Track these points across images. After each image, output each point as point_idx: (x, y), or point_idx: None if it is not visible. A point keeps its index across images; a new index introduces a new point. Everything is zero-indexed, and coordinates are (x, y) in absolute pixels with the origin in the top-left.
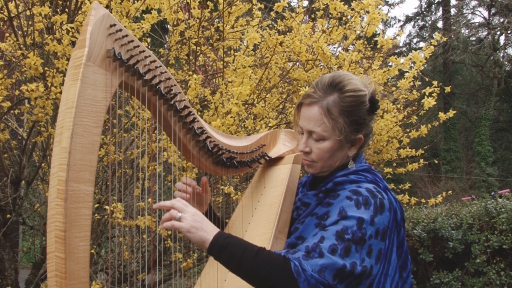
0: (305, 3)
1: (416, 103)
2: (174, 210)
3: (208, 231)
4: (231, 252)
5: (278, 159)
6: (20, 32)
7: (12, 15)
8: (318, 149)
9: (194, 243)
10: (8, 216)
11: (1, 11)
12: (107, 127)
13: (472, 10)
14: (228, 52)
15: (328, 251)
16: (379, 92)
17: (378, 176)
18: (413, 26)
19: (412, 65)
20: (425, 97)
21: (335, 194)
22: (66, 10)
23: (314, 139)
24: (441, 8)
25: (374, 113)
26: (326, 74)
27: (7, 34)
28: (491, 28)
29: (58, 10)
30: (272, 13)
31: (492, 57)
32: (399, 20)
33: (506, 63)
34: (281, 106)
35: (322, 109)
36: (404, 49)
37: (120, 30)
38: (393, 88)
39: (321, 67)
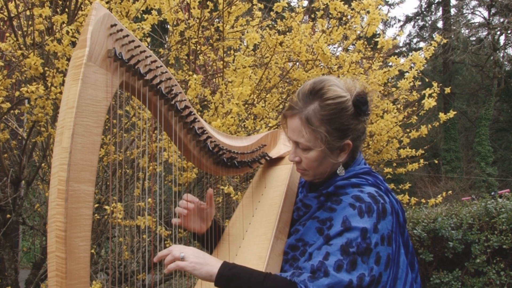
0: (305, 3)
1: (416, 103)
2: (176, 251)
3: (213, 264)
4: (237, 283)
5: (279, 159)
6: (20, 32)
7: (12, 15)
8: (306, 158)
9: (201, 279)
10: (8, 216)
11: (1, 11)
12: (107, 127)
13: (472, 10)
14: (228, 52)
15: (334, 268)
16: (379, 92)
17: (379, 178)
18: (413, 26)
19: (412, 65)
20: (425, 98)
21: (338, 199)
22: (66, 10)
23: (300, 149)
24: (441, 8)
25: (362, 116)
26: (309, 80)
27: (7, 34)
28: (491, 28)
29: (58, 10)
30: (272, 13)
31: (492, 57)
32: (399, 20)
33: (506, 63)
34: (281, 106)
35: (302, 121)
36: (404, 49)
37: (121, 30)
38: (393, 89)
39: (321, 67)
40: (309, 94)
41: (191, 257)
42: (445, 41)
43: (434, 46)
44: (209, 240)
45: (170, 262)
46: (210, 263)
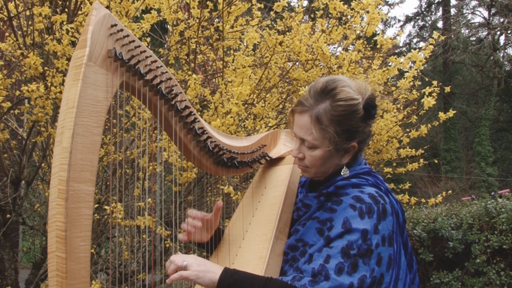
0: (305, 3)
1: (416, 103)
2: (178, 260)
3: (215, 271)
4: None
5: (279, 159)
6: (20, 32)
7: (12, 15)
8: (310, 156)
9: (204, 286)
10: (8, 216)
11: (1, 11)
12: (107, 127)
13: (472, 10)
14: (228, 52)
15: (335, 271)
16: (379, 91)
17: (379, 178)
18: (413, 26)
19: (412, 64)
20: (425, 96)
21: (338, 199)
22: (66, 10)
23: (306, 146)
24: (441, 8)
25: (370, 119)
26: (322, 78)
27: (7, 34)
28: (491, 28)
29: (57, 10)
30: (271, 12)
31: (492, 57)
32: (399, 20)
33: (506, 63)
34: (281, 106)
35: (312, 119)
36: (404, 49)
37: (121, 30)
38: (393, 88)
39: (321, 67)
40: (321, 93)
41: (194, 265)
42: (443, 38)
43: (432, 44)
44: (212, 246)
45: (173, 272)
46: (212, 270)
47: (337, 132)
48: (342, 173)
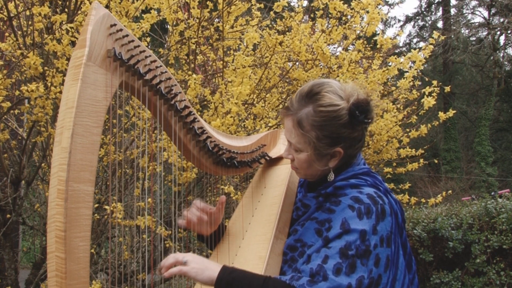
0: (305, 3)
1: (416, 103)
2: (180, 254)
3: (213, 268)
4: (237, 287)
5: (278, 159)
6: (19, 32)
7: (12, 15)
8: (297, 158)
9: (203, 284)
10: (8, 216)
11: (1, 11)
12: (107, 127)
13: (472, 10)
14: (228, 52)
15: (333, 271)
16: (379, 91)
17: (378, 178)
18: (413, 26)
19: (412, 64)
20: (425, 96)
21: (337, 200)
22: (66, 10)
23: (293, 149)
24: (441, 8)
25: (358, 125)
26: (310, 81)
27: (7, 34)
28: (491, 28)
29: (57, 10)
30: (271, 12)
31: (492, 57)
32: (399, 20)
33: (506, 63)
34: (281, 106)
35: (294, 123)
36: (404, 49)
37: (121, 30)
38: (393, 88)
39: (321, 67)
40: (305, 97)
41: (193, 262)
42: (443, 38)
43: (432, 44)
44: (214, 242)
45: (171, 265)
46: (210, 268)
47: (318, 137)
48: (328, 178)
